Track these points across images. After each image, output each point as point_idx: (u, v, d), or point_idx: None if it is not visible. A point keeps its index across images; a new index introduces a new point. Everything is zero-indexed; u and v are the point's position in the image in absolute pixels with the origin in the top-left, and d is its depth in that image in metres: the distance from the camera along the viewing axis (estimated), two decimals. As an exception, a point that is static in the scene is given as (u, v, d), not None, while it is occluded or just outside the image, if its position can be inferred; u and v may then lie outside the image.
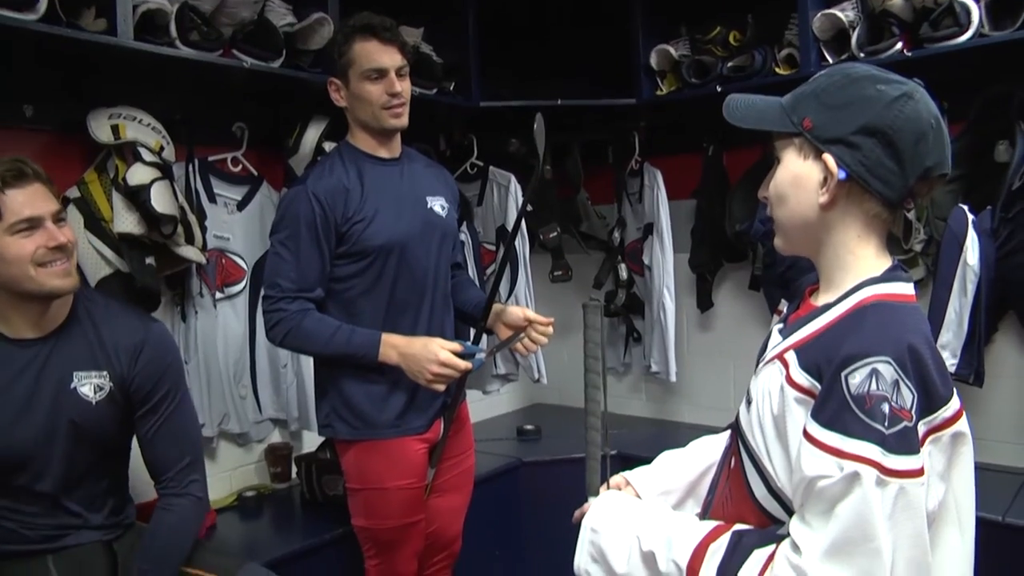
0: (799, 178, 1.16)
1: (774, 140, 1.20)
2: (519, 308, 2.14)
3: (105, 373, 1.78)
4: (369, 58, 2.02)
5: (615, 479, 1.45)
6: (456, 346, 1.99)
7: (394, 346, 2.00)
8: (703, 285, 3.34)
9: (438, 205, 2.18)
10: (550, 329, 2.11)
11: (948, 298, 2.47)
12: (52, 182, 1.73)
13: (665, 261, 3.26)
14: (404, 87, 2.07)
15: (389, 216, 2.06)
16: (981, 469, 2.64)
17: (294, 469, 2.77)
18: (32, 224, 1.65)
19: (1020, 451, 2.68)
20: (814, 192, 1.14)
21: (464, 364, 1.98)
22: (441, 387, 2.01)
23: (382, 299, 2.07)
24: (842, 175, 1.11)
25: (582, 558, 1.27)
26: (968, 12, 2.34)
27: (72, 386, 1.75)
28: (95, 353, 1.78)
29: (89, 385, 1.76)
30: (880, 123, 1.08)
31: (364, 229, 2.03)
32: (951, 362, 2.48)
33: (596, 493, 1.37)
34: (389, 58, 2.03)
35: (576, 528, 1.31)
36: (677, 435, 3.21)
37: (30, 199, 1.65)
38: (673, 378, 3.30)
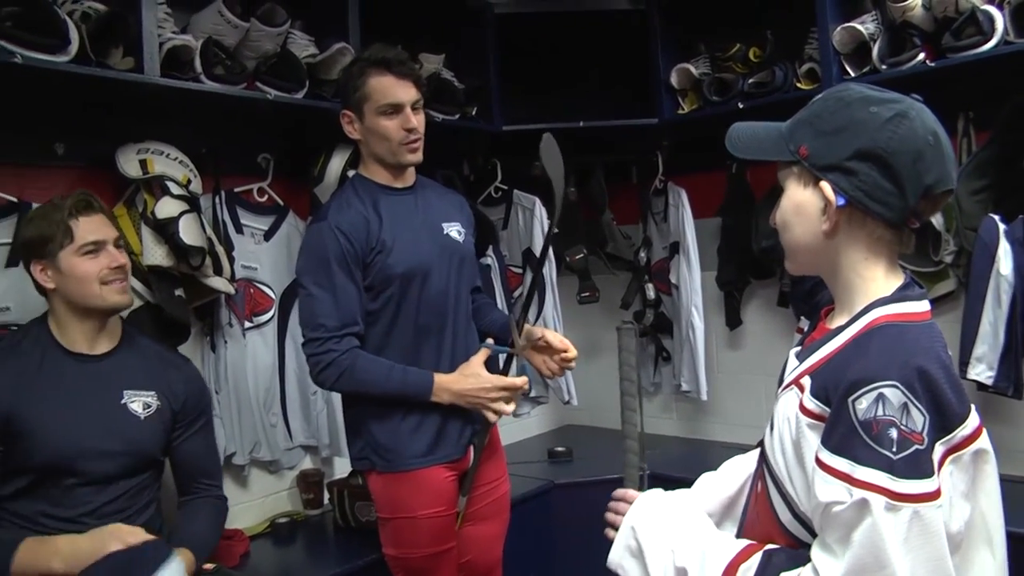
0: (801, 206, 1.16)
1: (778, 169, 1.20)
2: (540, 329, 2.16)
3: (153, 393, 1.97)
4: (385, 93, 2.02)
5: None
6: (505, 380, 2.03)
7: (445, 388, 2.01)
8: (731, 303, 3.32)
9: (454, 231, 2.18)
10: (571, 354, 2.11)
11: (982, 310, 2.44)
12: (112, 214, 2.00)
13: (692, 280, 3.25)
14: (419, 121, 2.06)
15: (408, 244, 2.05)
16: (1019, 483, 2.59)
17: (326, 495, 2.78)
18: (97, 247, 1.87)
19: (1062, 464, 2.62)
20: (816, 220, 1.14)
21: (520, 381, 2.01)
22: (509, 409, 2.04)
23: (408, 326, 2.07)
24: (840, 202, 1.11)
25: (618, 552, 1.29)
26: (992, 20, 2.32)
27: (123, 402, 1.92)
28: (145, 374, 1.98)
29: (139, 402, 1.94)
30: (874, 146, 1.08)
31: (385, 259, 2.02)
32: (988, 375, 2.44)
33: None
34: (405, 93, 2.03)
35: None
36: (709, 454, 3.18)
37: (96, 226, 1.89)
38: (704, 396, 3.28)
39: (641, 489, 1.40)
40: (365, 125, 2.06)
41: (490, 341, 2.08)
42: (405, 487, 2.07)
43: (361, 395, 2.06)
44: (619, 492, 1.37)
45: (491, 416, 2.03)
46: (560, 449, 3.37)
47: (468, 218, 2.30)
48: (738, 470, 1.45)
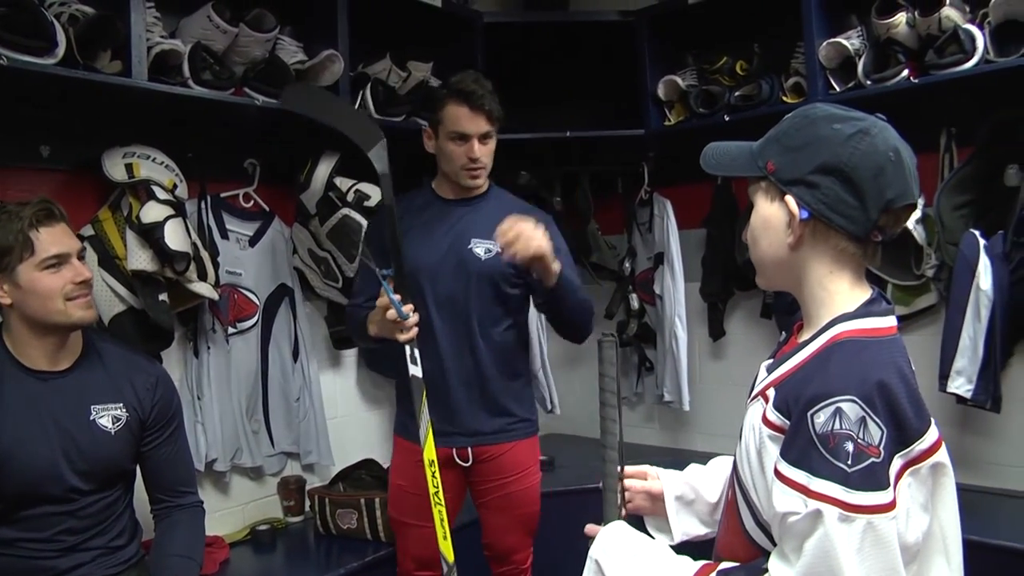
0: (768, 220, 1.20)
1: (748, 185, 1.24)
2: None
3: (120, 404, 1.89)
4: (456, 122, 2.19)
5: (643, 468, 1.51)
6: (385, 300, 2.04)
7: (371, 321, 2.14)
8: (715, 314, 3.34)
9: (482, 248, 2.24)
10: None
11: (962, 324, 2.46)
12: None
13: (676, 290, 3.26)
14: (484, 152, 2.23)
15: (418, 249, 2.19)
16: (998, 496, 2.62)
17: (307, 503, 2.77)
18: (60, 260, 1.76)
19: (1039, 477, 2.64)
20: (782, 233, 1.18)
21: (384, 301, 2.02)
22: (403, 335, 2.04)
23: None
24: (804, 215, 1.14)
25: None
26: (973, 39, 2.36)
27: (91, 418, 1.84)
28: (110, 386, 1.89)
29: (107, 416, 1.86)
30: (836, 161, 1.12)
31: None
32: (967, 388, 2.46)
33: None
34: (474, 125, 2.19)
35: (587, 543, 1.34)
36: (690, 464, 3.19)
37: (59, 237, 1.77)
38: (686, 407, 3.29)
39: (621, 500, 1.41)
40: (438, 144, 2.25)
41: (385, 272, 2.05)
42: (393, 450, 2.37)
43: (360, 341, 2.44)
44: (589, 528, 1.37)
45: (398, 337, 2.05)
46: (542, 458, 3.35)
47: None
48: (725, 472, 1.46)
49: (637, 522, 1.49)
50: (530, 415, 2.41)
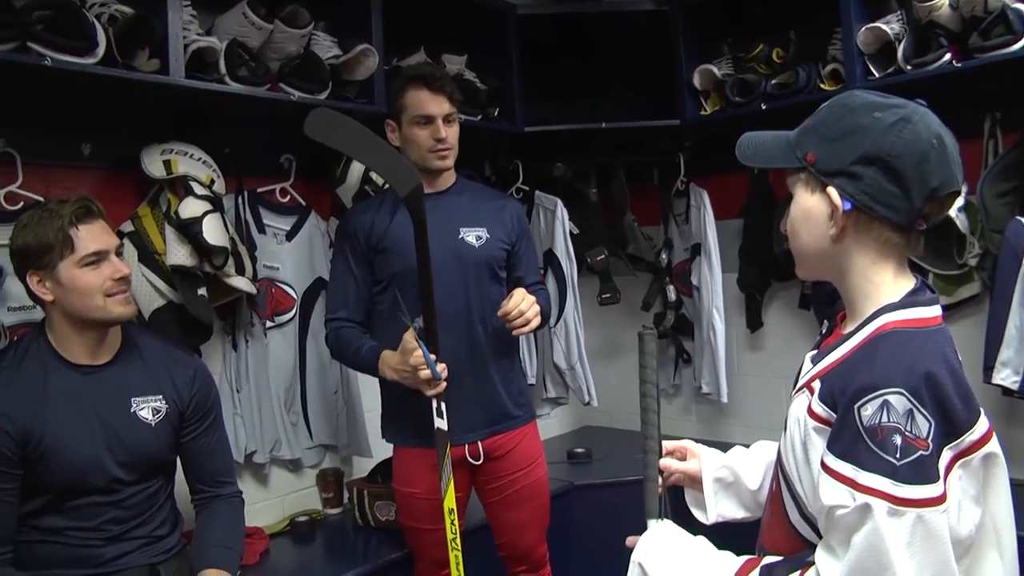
0: (809, 212, 1.18)
1: (787, 176, 1.22)
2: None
3: (160, 396, 1.93)
4: (419, 106, 2.19)
5: (683, 443, 1.50)
6: (417, 357, 2.02)
7: (385, 363, 2.13)
8: (752, 305, 3.31)
9: (472, 236, 2.25)
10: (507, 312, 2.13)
11: (1008, 313, 2.41)
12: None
13: (713, 281, 3.24)
14: (450, 133, 2.23)
15: (408, 245, 2.10)
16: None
17: (346, 494, 2.79)
18: (99, 257, 1.79)
19: (1089, 471, 2.58)
20: (824, 225, 1.16)
21: (419, 360, 2.00)
22: (432, 389, 2.05)
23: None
24: (847, 206, 1.12)
25: None
26: (1022, 19, 2.28)
27: (132, 410, 1.89)
28: (150, 379, 1.94)
29: (148, 408, 1.91)
30: (878, 150, 1.09)
31: (384, 257, 2.20)
32: (1013, 379, 2.40)
33: (655, 516, 1.38)
34: (437, 106, 2.19)
35: (629, 552, 1.33)
36: (735, 447, 3.17)
37: (98, 234, 1.80)
38: (724, 399, 3.27)
39: (660, 493, 1.40)
40: (403, 134, 2.23)
41: (418, 321, 2.06)
42: (396, 460, 2.33)
43: (357, 369, 2.39)
44: (630, 540, 1.35)
45: (427, 391, 2.06)
46: (580, 450, 3.37)
47: (504, 223, 2.33)
48: (769, 457, 1.44)
49: (677, 493, 1.49)
50: (527, 397, 2.43)
